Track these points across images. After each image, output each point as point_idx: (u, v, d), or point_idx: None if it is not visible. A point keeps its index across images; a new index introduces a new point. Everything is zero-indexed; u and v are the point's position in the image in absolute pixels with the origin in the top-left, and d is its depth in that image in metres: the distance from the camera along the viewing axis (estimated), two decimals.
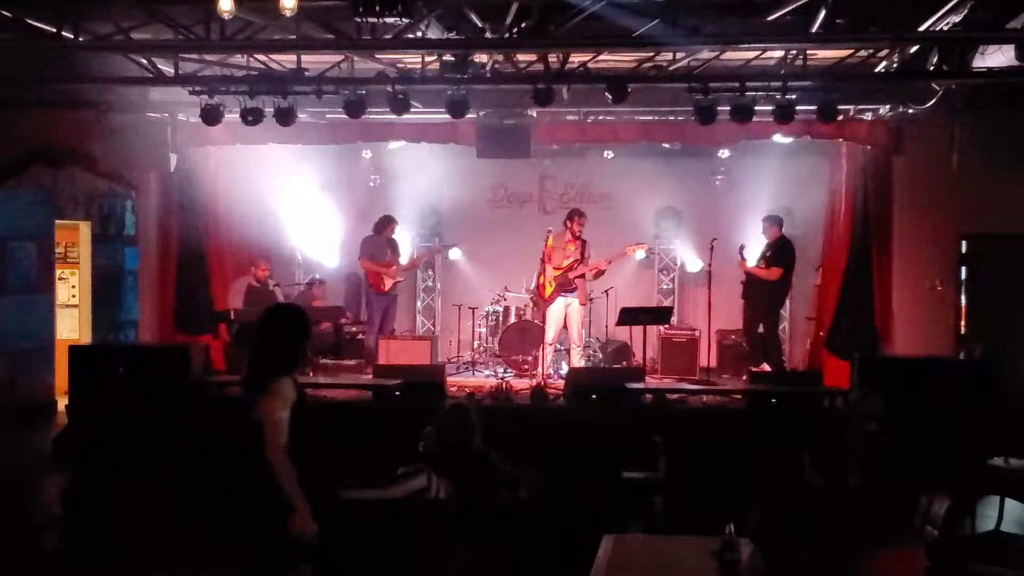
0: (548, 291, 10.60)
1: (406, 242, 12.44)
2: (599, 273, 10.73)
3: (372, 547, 4.57)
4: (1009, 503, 6.28)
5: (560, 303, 10.60)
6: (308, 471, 4.12)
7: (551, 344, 10.75)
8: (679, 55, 9.11)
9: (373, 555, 4.57)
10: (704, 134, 10.45)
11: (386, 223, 11.57)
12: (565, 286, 10.57)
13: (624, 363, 11.50)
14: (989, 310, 10.17)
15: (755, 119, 9.58)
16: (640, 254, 12.44)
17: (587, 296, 11.00)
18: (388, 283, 11.40)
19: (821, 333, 11.48)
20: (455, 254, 13.29)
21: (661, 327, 11.50)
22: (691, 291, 12.63)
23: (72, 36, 8.34)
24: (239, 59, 9.57)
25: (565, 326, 10.68)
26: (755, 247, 11.05)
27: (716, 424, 8.54)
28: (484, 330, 12.20)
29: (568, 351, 10.90)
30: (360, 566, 4.57)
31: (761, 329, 10.84)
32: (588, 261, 10.57)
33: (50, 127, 10.35)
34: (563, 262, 10.57)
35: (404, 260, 11.80)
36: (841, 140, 11.18)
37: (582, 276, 10.61)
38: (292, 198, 12.77)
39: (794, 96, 9.42)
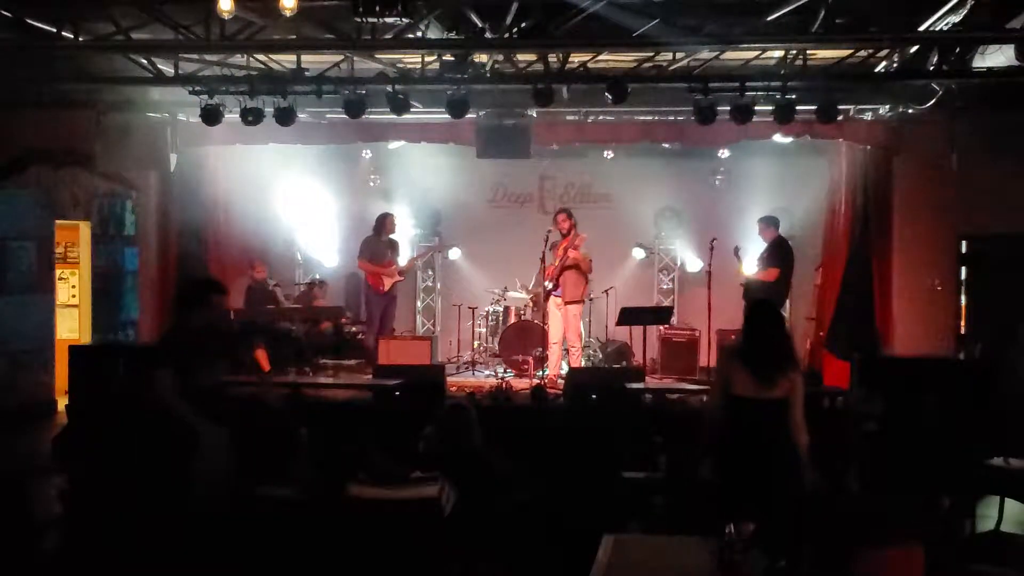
0: (542, 292, 10.69)
1: (406, 242, 12.44)
2: (585, 267, 10.71)
3: (374, 544, 4.57)
4: (1009, 503, 6.28)
5: (552, 303, 10.66)
6: None
7: (556, 344, 10.76)
8: (679, 55, 9.11)
9: (375, 552, 4.56)
10: (704, 134, 10.44)
11: (384, 221, 11.54)
12: (554, 287, 10.62)
13: (624, 363, 11.49)
14: (989, 310, 10.16)
15: (755, 119, 9.58)
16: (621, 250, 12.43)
17: (584, 296, 10.96)
18: (388, 283, 11.39)
19: (821, 333, 11.48)
20: (455, 254, 13.29)
21: (661, 327, 11.50)
22: (691, 291, 12.62)
23: (72, 36, 8.34)
24: (239, 59, 9.56)
25: None
26: (754, 248, 11.06)
27: None
28: (484, 330, 12.20)
29: (567, 351, 10.91)
30: (361, 563, 4.57)
31: None
32: (569, 254, 10.52)
33: (50, 127, 10.35)
34: (555, 262, 10.59)
35: (404, 261, 11.80)
36: (841, 140, 11.18)
37: (572, 266, 10.54)
38: (292, 198, 12.78)
39: (794, 96, 9.41)
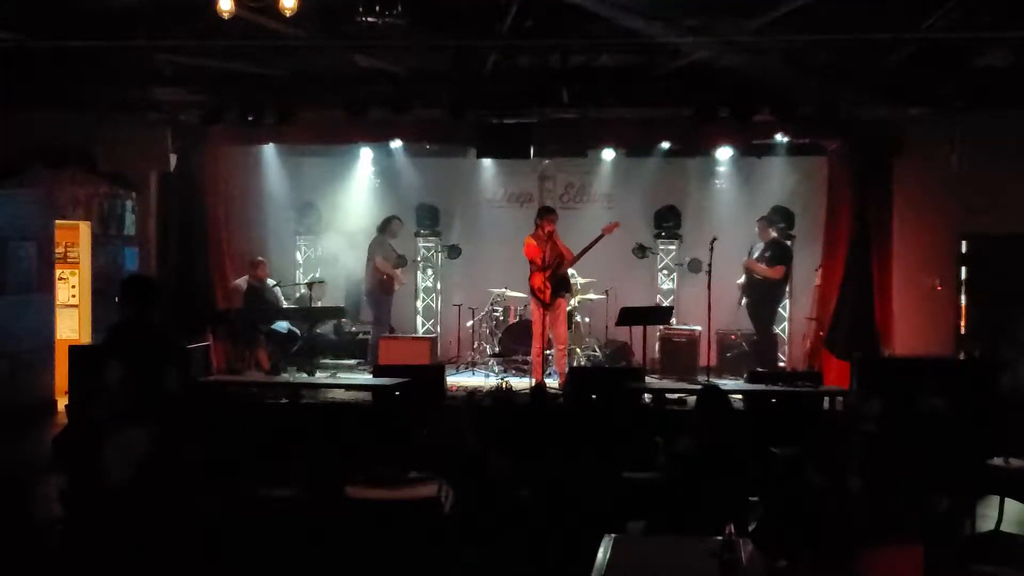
0: (549, 292, 10.56)
1: (407, 243, 12.49)
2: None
3: (374, 544, 4.58)
4: (1009, 503, 6.28)
5: (561, 304, 10.63)
6: None
7: (559, 344, 10.76)
8: (679, 55, 9.11)
9: (375, 552, 4.57)
10: (704, 134, 10.44)
11: (391, 222, 11.85)
12: (563, 285, 10.59)
13: (624, 363, 11.49)
14: (989, 310, 10.16)
15: (755, 119, 9.58)
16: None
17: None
18: (398, 284, 11.77)
19: (821, 333, 11.47)
20: (455, 254, 13.30)
21: (661, 327, 11.50)
22: (691, 291, 12.62)
23: (72, 36, 8.33)
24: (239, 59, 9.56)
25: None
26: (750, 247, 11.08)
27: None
28: (484, 330, 12.21)
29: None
30: (361, 563, 4.57)
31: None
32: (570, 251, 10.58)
33: (50, 127, 10.35)
34: (553, 262, 10.53)
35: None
36: (841, 140, 11.18)
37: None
38: (292, 198, 12.78)
39: (794, 96, 9.41)
